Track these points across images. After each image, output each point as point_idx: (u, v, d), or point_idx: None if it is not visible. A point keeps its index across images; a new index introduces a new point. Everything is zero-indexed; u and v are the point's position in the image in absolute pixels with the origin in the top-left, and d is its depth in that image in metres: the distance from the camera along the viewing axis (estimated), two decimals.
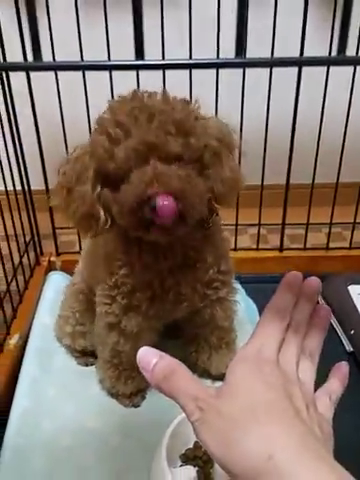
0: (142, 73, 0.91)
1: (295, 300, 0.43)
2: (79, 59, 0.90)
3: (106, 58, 0.90)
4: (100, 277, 0.71)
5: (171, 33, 0.90)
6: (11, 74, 0.95)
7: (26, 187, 1.05)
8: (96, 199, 0.60)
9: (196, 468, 0.64)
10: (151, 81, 0.73)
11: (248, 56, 0.96)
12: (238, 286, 0.82)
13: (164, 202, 0.52)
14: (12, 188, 0.98)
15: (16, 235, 1.00)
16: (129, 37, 1.23)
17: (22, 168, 1.03)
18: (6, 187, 0.93)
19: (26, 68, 0.91)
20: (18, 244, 1.00)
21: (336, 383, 0.42)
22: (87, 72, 0.91)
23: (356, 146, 1.11)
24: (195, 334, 0.81)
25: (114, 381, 0.78)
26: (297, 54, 0.93)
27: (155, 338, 0.75)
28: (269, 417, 0.34)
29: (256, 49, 0.92)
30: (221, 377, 0.80)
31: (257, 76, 0.97)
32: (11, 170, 0.97)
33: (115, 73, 0.91)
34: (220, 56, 0.92)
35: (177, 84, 0.75)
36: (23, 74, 0.94)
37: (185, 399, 0.36)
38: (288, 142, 1.01)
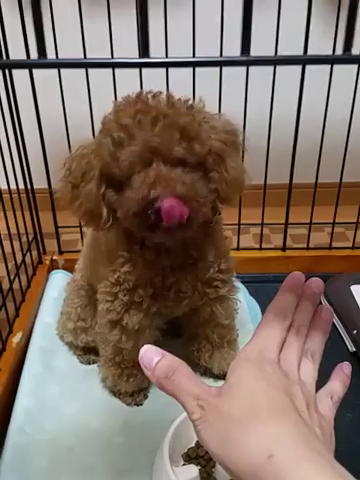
0: (145, 71, 0.90)
1: (297, 301, 0.43)
2: (82, 57, 0.90)
3: (109, 56, 0.90)
4: (102, 274, 0.71)
5: (174, 32, 0.90)
6: (14, 71, 0.95)
7: (29, 186, 1.05)
8: (100, 198, 0.61)
9: (198, 467, 0.64)
10: (154, 81, 0.73)
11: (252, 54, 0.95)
12: (240, 285, 0.82)
13: (168, 204, 0.52)
14: (15, 187, 0.98)
15: (19, 234, 1.00)
16: (132, 36, 1.23)
17: (25, 167, 1.03)
18: (9, 186, 0.93)
19: (29, 65, 0.90)
20: (21, 243, 1.00)
21: (338, 383, 0.42)
22: (90, 70, 0.91)
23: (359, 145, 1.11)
24: (196, 333, 0.81)
25: (116, 379, 0.78)
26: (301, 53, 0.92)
27: (157, 336, 0.75)
28: (269, 417, 0.34)
29: (261, 49, 0.92)
30: (223, 376, 0.80)
31: (261, 75, 0.96)
32: (14, 169, 0.97)
33: (118, 71, 0.91)
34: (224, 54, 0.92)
35: (180, 83, 0.75)
36: (26, 72, 0.94)
37: (186, 398, 0.36)
38: (291, 141, 1.01)
